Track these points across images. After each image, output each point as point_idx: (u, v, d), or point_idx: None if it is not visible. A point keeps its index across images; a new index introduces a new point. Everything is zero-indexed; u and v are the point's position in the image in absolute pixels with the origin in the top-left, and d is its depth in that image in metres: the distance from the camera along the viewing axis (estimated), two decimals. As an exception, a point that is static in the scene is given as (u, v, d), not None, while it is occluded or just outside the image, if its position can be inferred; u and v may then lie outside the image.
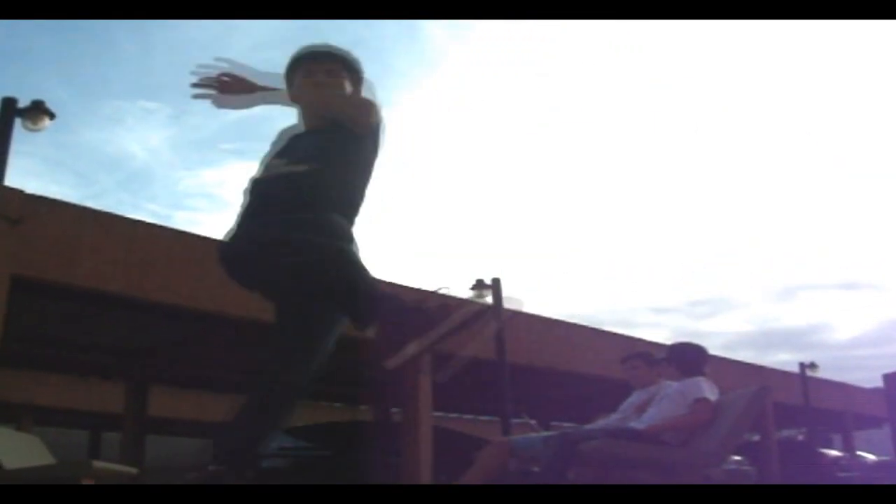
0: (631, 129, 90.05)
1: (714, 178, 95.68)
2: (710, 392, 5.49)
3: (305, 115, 3.43)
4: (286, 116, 3.46)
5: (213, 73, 3.39)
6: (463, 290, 19.00)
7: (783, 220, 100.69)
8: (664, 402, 5.67)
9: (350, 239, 3.07)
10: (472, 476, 5.51)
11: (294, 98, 3.43)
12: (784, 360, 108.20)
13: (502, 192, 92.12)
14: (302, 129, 3.43)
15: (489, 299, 17.11)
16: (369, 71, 3.49)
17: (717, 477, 12.35)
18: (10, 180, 9.25)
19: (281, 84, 3.47)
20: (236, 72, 3.41)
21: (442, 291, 3.01)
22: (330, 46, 3.46)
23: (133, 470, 9.02)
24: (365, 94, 3.46)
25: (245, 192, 3.22)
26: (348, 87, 3.42)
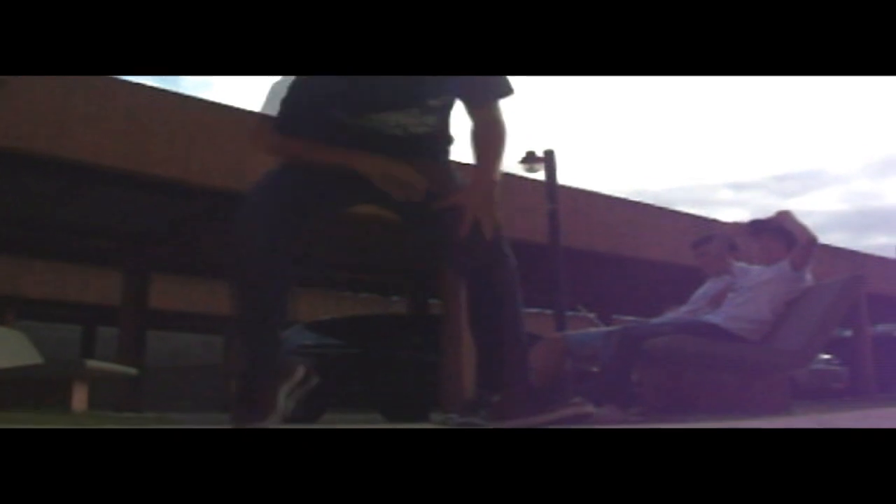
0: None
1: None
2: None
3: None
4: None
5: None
6: (510, 164, 18.62)
7: (886, 82, 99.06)
8: (747, 291, 5.57)
9: None
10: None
11: None
12: (882, 244, 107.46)
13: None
14: None
15: (541, 174, 16.64)
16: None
17: (803, 378, 12.26)
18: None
19: None
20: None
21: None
22: None
23: (132, 370, 9.07)
24: None
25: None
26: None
